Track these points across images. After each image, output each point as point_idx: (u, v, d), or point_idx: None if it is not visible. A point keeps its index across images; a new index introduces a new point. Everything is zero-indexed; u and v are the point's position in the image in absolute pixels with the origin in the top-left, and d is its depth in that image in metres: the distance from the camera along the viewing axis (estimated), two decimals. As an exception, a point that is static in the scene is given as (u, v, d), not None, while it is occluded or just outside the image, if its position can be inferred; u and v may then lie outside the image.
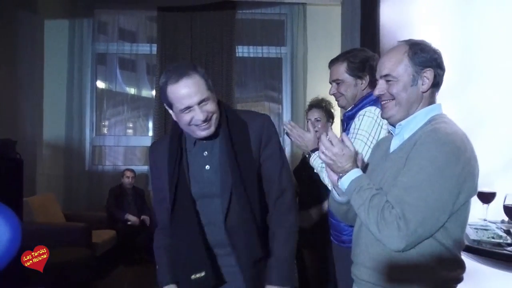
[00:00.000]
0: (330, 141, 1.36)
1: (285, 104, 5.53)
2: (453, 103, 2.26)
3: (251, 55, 5.51)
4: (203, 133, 1.49)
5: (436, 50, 1.37)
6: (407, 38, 1.44)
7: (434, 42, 1.40)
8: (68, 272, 3.42)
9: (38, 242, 3.51)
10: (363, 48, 2.23)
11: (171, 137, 1.60)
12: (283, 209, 1.57)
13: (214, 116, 1.49)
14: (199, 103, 1.44)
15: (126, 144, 5.71)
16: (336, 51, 3.75)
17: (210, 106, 1.47)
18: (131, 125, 6.03)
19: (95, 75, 5.50)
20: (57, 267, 3.33)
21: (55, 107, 5.26)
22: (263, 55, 5.53)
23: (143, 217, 4.88)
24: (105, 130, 5.75)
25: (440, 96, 1.43)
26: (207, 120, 1.47)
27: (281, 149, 1.62)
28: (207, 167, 1.56)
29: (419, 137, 1.29)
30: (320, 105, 2.70)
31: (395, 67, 1.34)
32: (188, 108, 1.44)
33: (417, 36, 1.46)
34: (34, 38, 5.09)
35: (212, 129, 1.49)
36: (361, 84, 1.93)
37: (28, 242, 2.99)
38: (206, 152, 1.57)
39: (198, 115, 1.44)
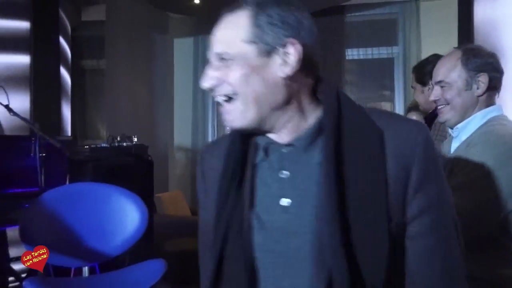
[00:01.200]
0: None
1: (397, 103, 5.44)
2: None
3: (362, 57, 5.55)
4: (224, 119, 0.85)
5: (491, 54, 1.40)
6: (502, 37, 1.47)
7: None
8: (191, 259, 3.91)
9: (167, 230, 4.14)
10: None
11: (232, 138, 0.88)
12: None
13: (237, 97, 0.81)
14: (215, 58, 0.85)
15: (242, 148, 6.18)
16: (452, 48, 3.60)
17: (226, 73, 0.82)
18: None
19: (216, 85, 6.06)
20: (183, 254, 3.86)
21: (183, 115, 5.91)
22: (373, 56, 5.53)
23: None
24: (226, 135, 6.31)
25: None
26: (214, 91, 0.84)
27: (450, 197, 0.83)
28: (285, 201, 0.81)
29: (473, 139, 1.34)
30: (418, 107, 2.70)
31: (448, 73, 1.41)
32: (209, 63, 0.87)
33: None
34: (166, 55, 5.85)
35: (229, 117, 0.83)
36: (428, 91, 2.02)
37: (159, 230, 3.58)
38: (285, 172, 0.82)
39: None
